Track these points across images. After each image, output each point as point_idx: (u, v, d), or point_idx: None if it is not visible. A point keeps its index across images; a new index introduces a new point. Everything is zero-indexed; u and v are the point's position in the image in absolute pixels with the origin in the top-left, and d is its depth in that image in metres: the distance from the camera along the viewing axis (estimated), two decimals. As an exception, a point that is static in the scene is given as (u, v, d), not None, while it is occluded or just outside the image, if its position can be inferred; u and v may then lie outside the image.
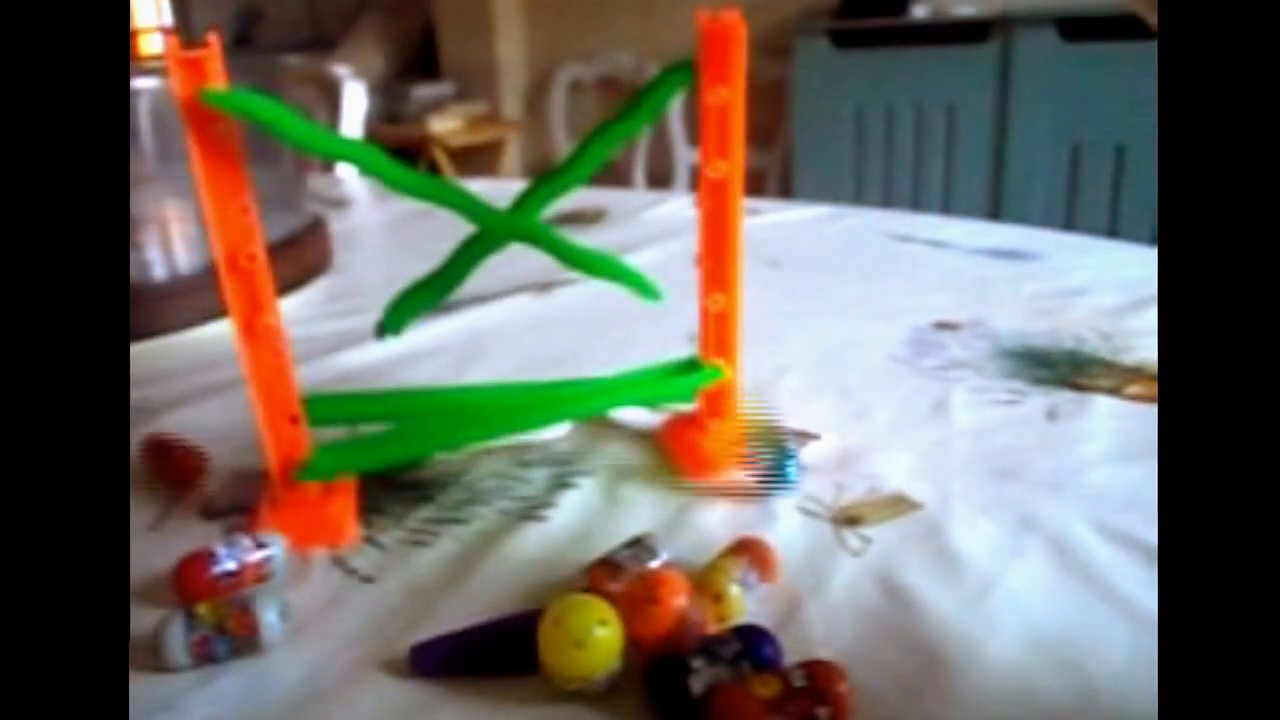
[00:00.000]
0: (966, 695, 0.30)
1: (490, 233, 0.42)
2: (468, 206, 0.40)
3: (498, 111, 3.04)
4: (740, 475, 0.44)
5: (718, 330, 0.45)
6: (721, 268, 0.43)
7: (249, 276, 0.37)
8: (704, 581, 0.34)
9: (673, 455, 0.46)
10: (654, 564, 0.35)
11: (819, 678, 0.28)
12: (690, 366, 0.46)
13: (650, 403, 0.50)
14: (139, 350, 0.64)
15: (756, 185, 2.49)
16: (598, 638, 0.30)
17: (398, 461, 0.45)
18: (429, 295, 0.44)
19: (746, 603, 0.34)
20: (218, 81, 0.35)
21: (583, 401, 0.46)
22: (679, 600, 0.31)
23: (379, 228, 1.03)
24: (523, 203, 0.42)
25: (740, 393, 0.47)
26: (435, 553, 0.39)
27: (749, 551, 0.35)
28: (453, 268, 0.43)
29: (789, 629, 0.33)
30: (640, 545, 0.36)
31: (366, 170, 0.38)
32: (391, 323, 0.44)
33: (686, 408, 0.48)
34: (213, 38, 0.34)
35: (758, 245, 0.85)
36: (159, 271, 0.71)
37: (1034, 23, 1.95)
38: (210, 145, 0.35)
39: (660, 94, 0.40)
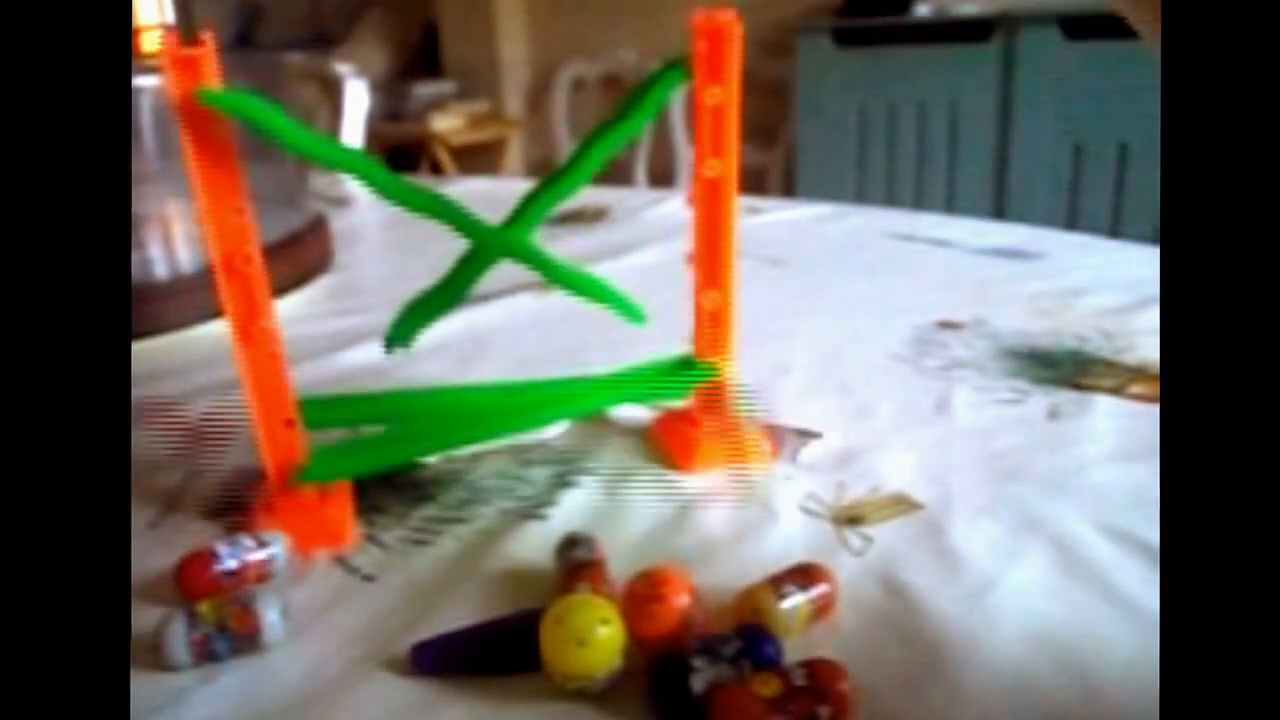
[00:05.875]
0: (968, 694, 0.30)
1: (482, 249, 0.42)
2: (460, 222, 0.40)
3: (500, 110, 3.05)
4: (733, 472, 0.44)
5: (712, 328, 0.45)
6: (716, 266, 0.43)
7: (245, 279, 0.37)
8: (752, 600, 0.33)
9: (666, 452, 0.46)
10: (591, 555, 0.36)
11: (820, 677, 0.28)
12: (685, 364, 0.46)
13: (645, 400, 0.49)
14: (141, 348, 0.64)
15: (758, 184, 2.49)
16: (599, 636, 0.30)
17: (395, 464, 0.44)
18: (434, 308, 0.43)
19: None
20: (213, 80, 0.34)
21: (575, 400, 0.46)
22: (681, 599, 0.31)
23: (381, 226, 1.03)
24: (520, 214, 0.41)
25: (740, 391, 0.47)
26: (437, 551, 0.39)
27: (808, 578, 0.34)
28: (455, 282, 0.43)
29: (790, 628, 0.33)
30: (578, 544, 0.36)
31: (357, 177, 0.37)
32: (398, 337, 0.44)
33: (680, 405, 0.48)
34: (208, 36, 0.34)
35: (759, 244, 0.85)
36: (161, 270, 0.71)
37: (1037, 21, 1.95)
38: (206, 145, 0.35)
39: (656, 93, 0.40)
